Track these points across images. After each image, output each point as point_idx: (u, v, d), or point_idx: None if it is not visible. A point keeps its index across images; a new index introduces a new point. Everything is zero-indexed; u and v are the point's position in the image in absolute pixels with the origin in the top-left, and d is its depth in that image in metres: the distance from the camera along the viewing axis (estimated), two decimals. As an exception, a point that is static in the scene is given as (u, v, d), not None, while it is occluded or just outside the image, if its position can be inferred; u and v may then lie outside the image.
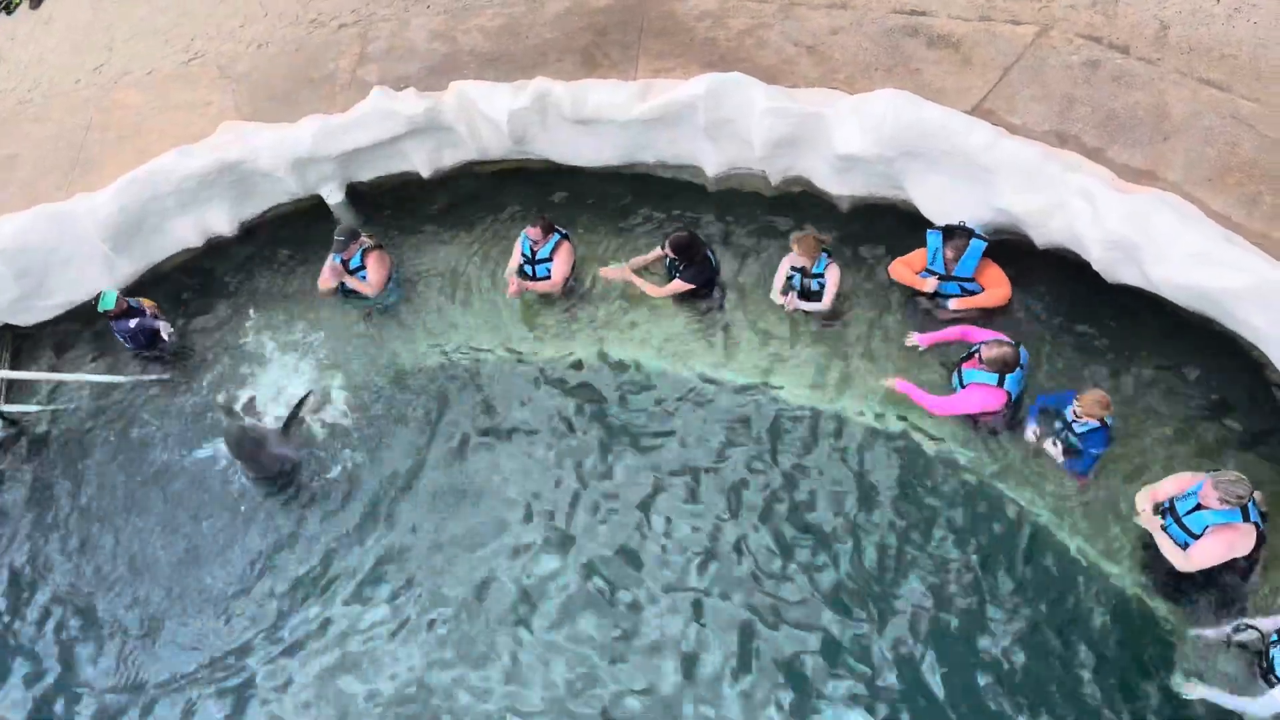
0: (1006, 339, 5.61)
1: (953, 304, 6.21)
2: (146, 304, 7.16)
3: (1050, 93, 6.25)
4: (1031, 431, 5.72)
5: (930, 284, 6.17)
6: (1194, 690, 4.93)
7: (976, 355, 5.67)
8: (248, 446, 6.42)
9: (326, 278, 7.06)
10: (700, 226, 6.98)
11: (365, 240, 7.02)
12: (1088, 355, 6.01)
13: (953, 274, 6.10)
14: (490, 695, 5.62)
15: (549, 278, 6.83)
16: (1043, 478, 5.68)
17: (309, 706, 5.78)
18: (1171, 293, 5.63)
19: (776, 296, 6.49)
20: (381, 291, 7.09)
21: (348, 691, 5.79)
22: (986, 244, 6.00)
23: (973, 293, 6.17)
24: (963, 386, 5.75)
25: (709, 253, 6.63)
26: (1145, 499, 5.22)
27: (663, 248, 6.54)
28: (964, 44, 6.61)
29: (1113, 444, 5.51)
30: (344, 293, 7.18)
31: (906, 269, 6.26)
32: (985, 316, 6.19)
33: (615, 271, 6.74)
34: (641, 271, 6.82)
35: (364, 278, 7.01)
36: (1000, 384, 5.57)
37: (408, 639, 5.88)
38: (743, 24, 7.13)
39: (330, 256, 6.99)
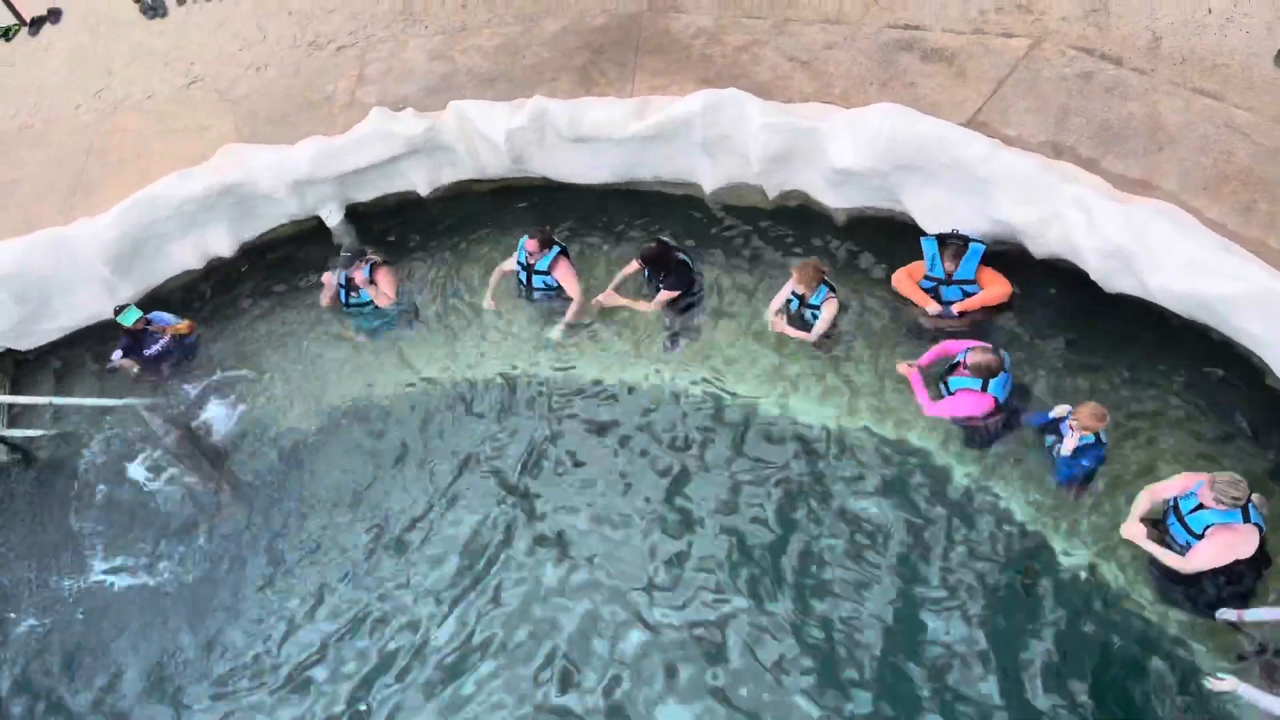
0: (986, 345, 5.65)
1: (956, 308, 6.21)
2: (184, 324, 7.17)
3: (1045, 105, 6.28)
4: (1057, 411, 5.60)
5: (934, 307, 6.20)
6: (1223, 684, 4.56)
7: (961, 364, 5.71)
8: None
9: (329, 292, 7.10)
10: (698, 241, 7.01)
11: (373, 256, 7.07)
12: (1086, 365, 6.01)
13: (953, 278, 6.13)
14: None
15: (546, 289, 6.87)
16: (1037, 484, 5.68)
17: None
18: (1169, 301, 5.65)
19: (770, 313, 6.49)
20: (393, 304, 7.11)
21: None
22: (984, 247, 6.04)
23: (973, 294, 6.18)
24: (950, 394, 5.79)
25: (682, 256, 6.67)
26: (1145, 500, 5.21)
27: (638, 261, 6.57)
28: (958, 57, 6.66)
29: (1104, 462, 5.49)
30: (346, 308, 7.20)
31: (908, 279, 6.29)
32: (986, 322, 6.21)
33: (605, 297, 6.77)
34: (627, 289, 6.86)
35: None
36: (984, 388, 5.60)
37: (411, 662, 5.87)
38: (738, 40, 7.18)
39: (337, 273, 7.02)
